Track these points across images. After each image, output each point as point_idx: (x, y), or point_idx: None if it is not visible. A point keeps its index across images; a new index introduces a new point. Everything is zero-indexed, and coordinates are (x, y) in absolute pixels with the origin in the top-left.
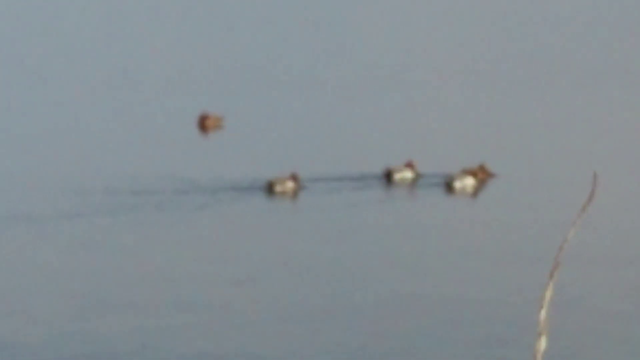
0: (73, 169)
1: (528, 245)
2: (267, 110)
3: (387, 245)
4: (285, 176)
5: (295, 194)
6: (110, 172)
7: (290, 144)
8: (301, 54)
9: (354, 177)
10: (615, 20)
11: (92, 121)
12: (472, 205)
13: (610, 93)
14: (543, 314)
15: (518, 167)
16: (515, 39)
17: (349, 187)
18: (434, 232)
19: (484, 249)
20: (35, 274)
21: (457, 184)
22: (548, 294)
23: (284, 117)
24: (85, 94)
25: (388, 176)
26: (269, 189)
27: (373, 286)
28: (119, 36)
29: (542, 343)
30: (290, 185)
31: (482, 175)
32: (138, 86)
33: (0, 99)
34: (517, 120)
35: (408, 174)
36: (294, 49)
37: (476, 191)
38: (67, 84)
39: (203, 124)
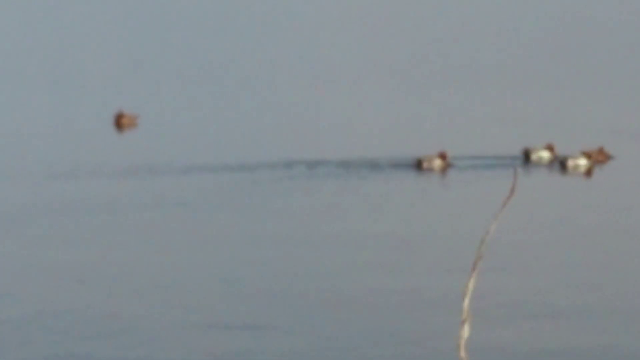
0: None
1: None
2: (179, 107)
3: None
4: (433, 154)
5: (443, 171)
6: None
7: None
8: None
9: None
10: None
11: (18, 120)
12: (582, 184)
13: None
14: (466, 302)
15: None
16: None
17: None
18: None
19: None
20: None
21: (570, 164)
22: (471, 284)
23: (200, 112)
24: (12, 94)
25: (526, 156)
26: (418, 166)
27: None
28: (46, 38)
29: (466, 330)
30: (438, 162)
31: (601, 157)
32: (63, 85)
33: None
34: None
35: (545, 155)
36: (219, 47)
37: (589, 171)
38: None
39: (119, 122)
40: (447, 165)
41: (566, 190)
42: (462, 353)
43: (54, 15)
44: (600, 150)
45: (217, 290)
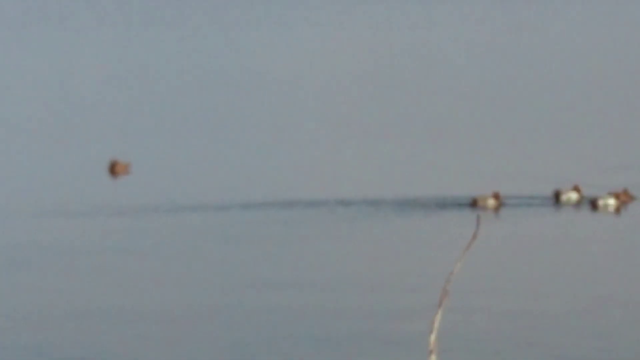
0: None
1: None
2: (172, 154)
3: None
4: (487, 194)
5: (496, 209)
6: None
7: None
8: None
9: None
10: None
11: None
12: (611, 221)
13: None
14: (433, 337)
15: None
16: None
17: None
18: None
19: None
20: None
21: (600, 203)
22: (437, 319)
23: (191, 158)
24: (8, 143)
25: (556, 197)
26: (473, 204)
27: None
28: (42, 90)
29: None
30: (491, 201)
31: (625, 197)
32: (57, 134)
33: None
34: None
35: (574, 196)
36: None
37: (617, 210)
38: None
39: (113, 169)
40: (500, 204)
41: (601, 227)
42: None
43: (50, 67)
44: (625, 192)
45: (210, 331)
